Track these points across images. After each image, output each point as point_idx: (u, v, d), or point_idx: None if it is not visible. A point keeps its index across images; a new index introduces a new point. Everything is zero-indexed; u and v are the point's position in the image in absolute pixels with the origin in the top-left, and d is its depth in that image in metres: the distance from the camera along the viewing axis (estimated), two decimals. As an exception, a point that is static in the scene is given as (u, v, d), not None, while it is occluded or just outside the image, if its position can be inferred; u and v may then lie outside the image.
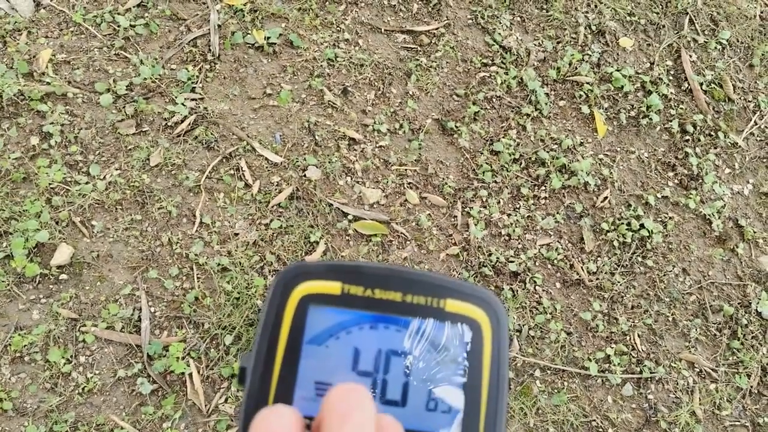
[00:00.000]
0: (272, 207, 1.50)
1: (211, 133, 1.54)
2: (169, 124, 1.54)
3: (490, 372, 0.37)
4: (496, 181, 1.61)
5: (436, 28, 1.74)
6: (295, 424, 0.29)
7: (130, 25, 1.64)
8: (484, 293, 0.38)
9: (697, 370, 1.52)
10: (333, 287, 0.36)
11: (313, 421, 0.31)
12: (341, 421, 0.28)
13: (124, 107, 1.54)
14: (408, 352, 0.36)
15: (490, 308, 0.37)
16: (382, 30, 1.73)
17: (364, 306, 0.36)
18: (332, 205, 1.52)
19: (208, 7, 1.70)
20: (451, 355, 0.37)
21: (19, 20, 1.63)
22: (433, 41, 1.73)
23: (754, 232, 1.66)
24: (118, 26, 1.64)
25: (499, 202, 1.59)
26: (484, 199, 1.59)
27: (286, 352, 0.35)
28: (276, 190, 1.52)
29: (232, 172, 1.52)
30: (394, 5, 1.76)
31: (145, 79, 1.56)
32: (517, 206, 1.60)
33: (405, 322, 0.36)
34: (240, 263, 1.44)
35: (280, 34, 1.67)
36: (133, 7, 1.68)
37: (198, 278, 1.42)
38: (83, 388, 1.30)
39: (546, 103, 1.68)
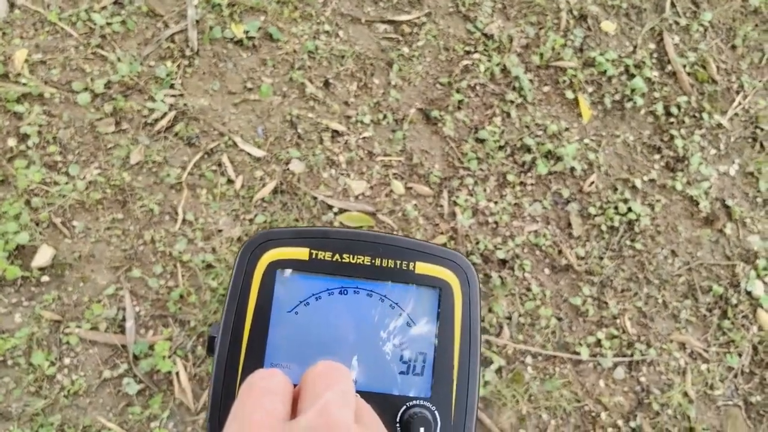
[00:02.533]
0: (256, 202, 1.48)
1: (192, 129, 1.52)
2: (149, 121, 1.52)
3: (461, 332, 0.36)
4: (482, 169, 1.60)
5: (417, 17, 1.73)
6: (290, 387, 0.29)
7: (107, 23, 1.61)
8: (454, 255, 0.37)
9: (689, 351, 1.52)
10: (301, 253, 0.35)
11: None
12: (326, 386, 0.27)
13: (102, 106, 1.52)
14: (378, 315, 0.35)
15: (459, 269, 0.37)
16: (363, 21, 1.71)
17: (333, 271, 0.35)
18: (317, 198, 1.51)
19: (185, 2, 1.68)
20: (421, 317, 0.36)
21: (-8, 21, 1.60)
22: (414, 30, 1.71)
23: (742, 212, 1.66)
24: (94, 24, 1.61)
25: (485, 190, 1.58)
26: (471, 188, 1.58)
27: (255, 319, 0.34)
28: (259, 184, 1.50)
29: (214, 167, 1.50)
30: (374, -5, 1.75)
31: (123, 76, 1.54)
32: (504, 193, 1.59)
33: (374, 285, 0.36)
34: (225, 259, 1.42)
35: (259, 28, 1.65)
36: (109, 4, 1.65)
37: (182, 276, 1.40)
38: (68, 390, 1.28)
39: (530, 90, 1.67)
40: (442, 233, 1.53)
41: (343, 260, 0.35)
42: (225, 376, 0.34)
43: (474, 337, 0.36)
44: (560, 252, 1.55)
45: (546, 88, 1.72)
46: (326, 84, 1.63)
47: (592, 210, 1.60)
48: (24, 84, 1.51)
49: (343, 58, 1.66)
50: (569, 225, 1.58)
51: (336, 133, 1.58)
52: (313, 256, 0.35)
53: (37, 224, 1.39)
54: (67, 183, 1.43)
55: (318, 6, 1.70)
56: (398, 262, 0.36)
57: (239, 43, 1.63)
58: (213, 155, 1.51)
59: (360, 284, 0.36)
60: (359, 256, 0.35)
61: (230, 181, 1.49)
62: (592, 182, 1.62)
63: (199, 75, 1.60)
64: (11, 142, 1.46)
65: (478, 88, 1.68)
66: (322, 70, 1.65)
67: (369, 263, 0.35)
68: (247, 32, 1.63)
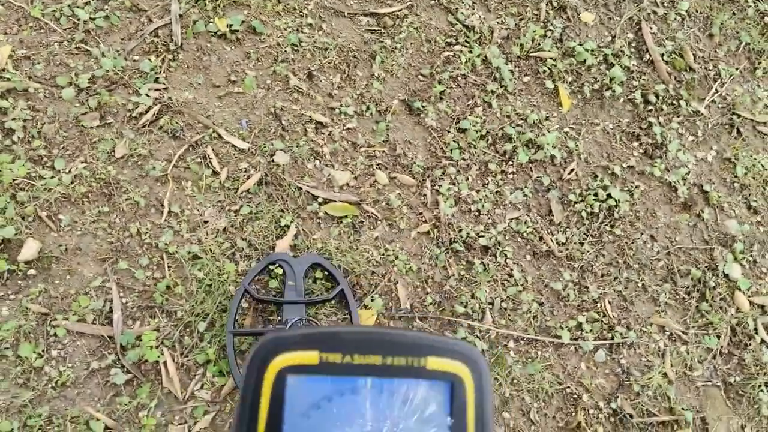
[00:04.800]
0: (241, 193, 1.50)
1: (177, 123, 1.54)
2: (134, 115, 1.53)
3: (475, 426, 0.36)
4: (464, 158, 1.62)
5: (399, 10, 1.75)
6: None
7: (90, 18, 1.62)
8: (465, 348, 0.37)
9: (668, 333, 1.55)
10: (310, 357, 0.35)
11: None
12: None
13: (87, 100, 1.53)
14: (392, 414, 0.36)
15: (471, 362, 0.37)
16: (345, 14, 1.73)
17: (343, 372, 0.35)
18: (302, 188, 1.53)
19: (168, -3, 1.69)
20: (434, 412, 0.36)
21: (-25, 17, 1.61)
22: (396, 23, 1.74)
23: (719, 197, 1.70)
24: (78, 20, 1.62)
25: (467, 179, 1.61)
26: (453, 177, 1.60)
27: (268, 426, 0.34)
28: (244, 176, 1.52)
29: (199, 160, 1.52)
30: (356, -11, 1.77)
31: (108, 71, 1.55)
32: (486, 182, 1.61)
33: (386, 384, 0.36)
34: (211, 250, 1.44)
35: (243, 21, 1.66)
36: (93, 0, 1.66)
37: (169, 267, 1.42)
38: (56, 382, 1.30)
39: (511, 80, 1.70)
40: (425, 222, 1.56)
41: (354, 360, 0.35)
42: None
43: (487, 429, 0.36)
44: (541, 238, 1.58)
45: (526, 78, 1.74)
46: (310, 76, 1.65)
47: (572, 197, 1.63)
48: (8, 79, 1.52)
49: (326, 51, 1.68)
50: (550, 212, 1.61)
51: (320, 125, 1.60)
52: (323, 359, 0.35)
53: (23, 218, 1.40)
54: (52, 177, 1.44)
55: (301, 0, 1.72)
56: (409, 358, 0.36)
57: (223, 36, 1.65)
58: (198, 148, 1.53)
59: (371, 383, 0.36)
60: (369, 356, 0.35)
61: (215, 173, 1.51)
62: (572, 170, 1.65)
63: (183, 69, 1.61)
64: (-4, 137, 1.47)
65: (459, 78, 1.71)
66: (306, 62, 1.66)
67: (380, 362, 0.35)
68: (230, 26, 1.65)
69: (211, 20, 1.65)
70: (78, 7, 1.64)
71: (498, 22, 1.78)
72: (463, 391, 0.36)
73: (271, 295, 1.42)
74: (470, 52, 1.72)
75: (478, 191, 1.60)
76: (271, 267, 1.43)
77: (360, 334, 0.36)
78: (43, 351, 1.32)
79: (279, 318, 1.39)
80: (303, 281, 1.38)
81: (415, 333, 0.37)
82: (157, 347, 1.35)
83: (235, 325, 1.35)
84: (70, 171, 1.46)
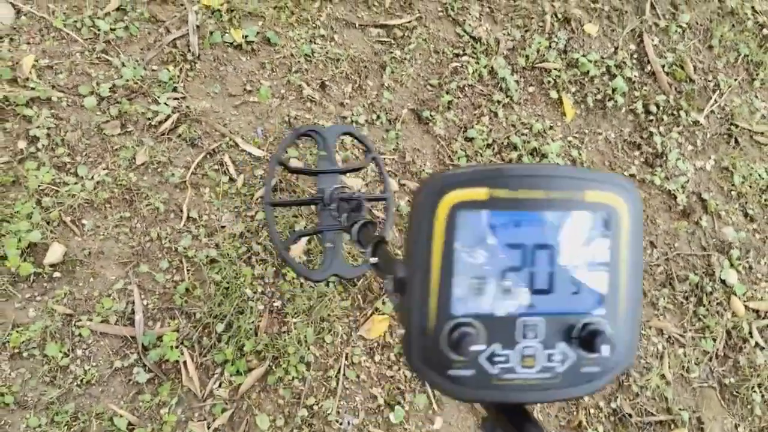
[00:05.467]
0: (257, 199, 1.56)
1: (195, 131, 1.60)
2: (153, 123, 1.59)
3: (629, 253, 0.39)
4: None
5: (409, 22, 1.81)
6: None
7: (111, 29, 1.68)
8: (621, 180, 0.40)
9: (666, 336, 1.61)
10: (480, 193, 0.38)
11: None
12: None
13: (108, 109, 1.59)
14: (552, 243, 0.39)
15: (626, 193, 0.39)
16: (357, 25, 1.79)
17: (510, 206, 0.38)
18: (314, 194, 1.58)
19: (185, 8, 1.75)
20: (592, 241, 0.39)
21: (0, 28, 1.66)
22: (406, 34, 1.79)
23: (717, 205, 1.76)
24: (99, 30, 1.68)
25: (474, 186, 1.66)
26: (460, 184, 1.66)
27: (442, 257, 0.37)
28: (260, 182, 1.58)
29: (216, 167, 1.58)
30: (367, 0, 1.82)
31: (128, 80, 1.61)
32: (492, 189, 1.67)
33: (549, 216, 0.39)
34: (228, 254, 1.50)
35: (258, 32, 1.72)
36: (113, 11, 1.72)
37: (188, 270, 1.48)
38: (81, 380, 1.36)
39: (516, 90, 1.75)
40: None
41: (520, 195, 0.38)
42: (419, 311, 0.38)
43: (638, 255, 0.39)
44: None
45: (531, 89, 1.80)
46: (322, 86, 1.70)
47: (575, 204, 1.68)
48: (32, 88, 1.57)
49: (338, 61, 1.73)
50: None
51: (332, 134, 1.66)
52: (492, 195, 0.38)
53: (48, 223, 1.46)
54: (75, 183, 1.50)
55: (314, 11, 1.78)
56: (570, 192, 0.38)
57: (239, 47, 1.70)
58: (215, 155, 1.59)
59: (537, 215, 0.39)
60: (534, 191, 0.38)
61: (232, 180, 1.57)
62: (576, 178, 1.71)
63: (200, 78, 1.67)
64: (21, 144, 1.53)
65: (466, 89, 1.76)
66: (319, 72, 1.72)
67: (543, 196, 0.38)
68: (246, 37, 1.70)
69: (227, 31, 1.71)
70: (99, 18, 1.70)
71: (504, 34, 1.83)
72: (619, 220, 0.39)
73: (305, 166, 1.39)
74: (477, 62, 1.77)
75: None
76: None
77: (526, 170, 0.39)
78: (68, 350, 1.38)
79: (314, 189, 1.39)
80: (334, 151, 1.35)
81: (576, 169, 0.40)
82: (177, 347, 1.41)
83: (271, 197, 1.31)
84: (92, 177, 1.52)
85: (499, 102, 1.74)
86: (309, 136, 1.39)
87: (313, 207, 1.47)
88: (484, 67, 1.77)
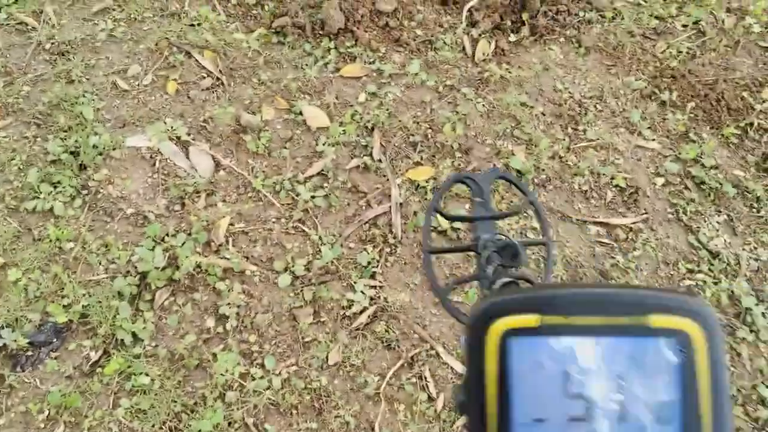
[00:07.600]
0: (458, 429, 1.34)
1: (392, 330, 1.42)
2: (347, 314, 1.43)
3: (710, 386, 0.35)
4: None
5: (634, 223, 1.59)
6: None
7: (311, 197, 1.57)
8: (692, 302, 0.36)
9: None
10: (531, 320, 0.36)
11: None
12: None
13: (302, 291, 1.44)
14: (616, 372, 0.35)
15: (700, 317, 0.35)
16: (574, 219, 1.59)
17: (565, 333, 0.35)
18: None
19: (388, 180, 1.62)
20: (662, 372, 0.35)
21: (198, 181, 1.59)
22: (630, 237, 1.57)
23: None
24: (297, 196, 1.57)
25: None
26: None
27: (498, 385, 0.36)
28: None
29: (414, 380, 1.38)
30: (586, 191, 1.63)
31: (327, 262, 1.47)
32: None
33: (610, 342, 0.35)
34: (419, 496, 1.27)
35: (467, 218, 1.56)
36: (314, 175, 1.62)
37: None
38: None
39: (764, 326, 1.47)
40: None
41: (575, 322, 0.35)
42: None
43: (722, 388, 0.35)
44: None
45: (778, 322, 1.51)
46: (532, 290, 1.50)
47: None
48: (227, 258, 1.47)
49: (553, 264, 1.53)
50: None
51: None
52: (544, 322, 0.36)
53: (230, 424, 1.30)
54: (262, 377, 1.34)
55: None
56: (632, 317, 0.35)
57: (443, 233, 1.54)
58: (414, 365, 1.39)
59: (594, 341, 0.35)
60: (590, 317, 0.35)
61: (431, 399, 1.36)
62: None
63: (399, 265, 1.51)
64: (210, 322, 1.40)
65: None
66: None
67: (602, 323, 0.35)
68: (453, 223, 1.54)
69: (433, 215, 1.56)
70: (298, 182, 1.60)
71: (747, 251, 1.57)
72: (692, 349, 0.35)
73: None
74: (716, 284, 1.52)
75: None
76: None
77: (580, 294, 0.36)
78: None
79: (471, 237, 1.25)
80: (490, 197, 1.24)
81: (639, 289, 0.37)
82: None
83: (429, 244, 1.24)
84: (280, 373, 1.36)
85: (743, 339, 1.46)
86: (464, 183, 1.27)
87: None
88: (724, 291, 1.51)
